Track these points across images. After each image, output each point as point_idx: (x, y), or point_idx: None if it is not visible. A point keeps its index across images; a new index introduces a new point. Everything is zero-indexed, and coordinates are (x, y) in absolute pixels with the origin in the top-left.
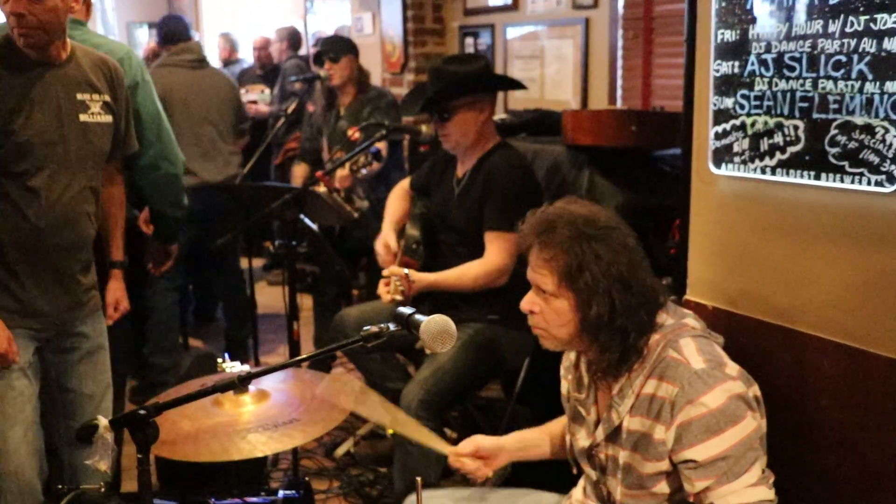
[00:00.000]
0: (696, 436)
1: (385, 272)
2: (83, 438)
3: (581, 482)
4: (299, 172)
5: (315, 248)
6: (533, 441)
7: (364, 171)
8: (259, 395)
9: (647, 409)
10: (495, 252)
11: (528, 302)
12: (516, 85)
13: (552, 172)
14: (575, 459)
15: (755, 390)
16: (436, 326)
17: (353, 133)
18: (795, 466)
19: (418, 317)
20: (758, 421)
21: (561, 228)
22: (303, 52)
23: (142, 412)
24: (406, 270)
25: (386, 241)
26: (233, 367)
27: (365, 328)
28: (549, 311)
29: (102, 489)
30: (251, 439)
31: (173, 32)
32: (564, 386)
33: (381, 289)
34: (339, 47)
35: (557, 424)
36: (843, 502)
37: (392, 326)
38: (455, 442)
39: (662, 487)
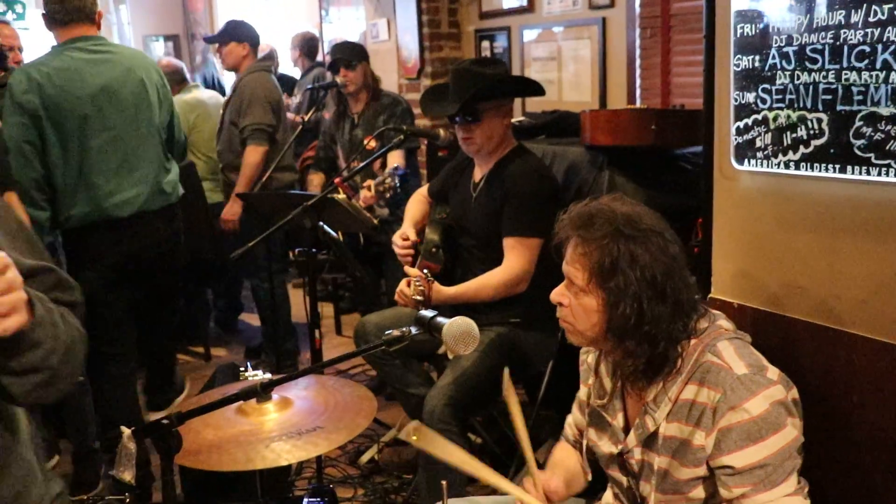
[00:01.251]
0: (736, 442)
1: (408, 271)
2: (107, 449)
3: (610, 489)
4: (316, 181)
5: (337, 255)
6: (569, 477)
7: (391, 193)
8: (282, 402)
9: (687, 414)
10: (515, 259)
11: (557, 293)
12: (540, 90)
13: (572, 173)
14: (593, 464)
15: (794, 394)
16: (458, 329)
17: (369, 142)
18: (828, 463)
19: (440, 319)
20: (797, 429)
21: (599, 224)
22: (318, 59)
23: (165, 422)
24: (425, 272)
25: (404, 232)
26: (255, 376)
27: (387, 332)
28: (577, 306)
29: (127, 500)
30: (275, 448)
31: (257, 38)
32: (584, 391)
33: (402, 287)
34: (353, 54)
35: (565, 452)
36: (877, 499)
37: (414, 330)
38: (480, 447)
39: (698, 492)
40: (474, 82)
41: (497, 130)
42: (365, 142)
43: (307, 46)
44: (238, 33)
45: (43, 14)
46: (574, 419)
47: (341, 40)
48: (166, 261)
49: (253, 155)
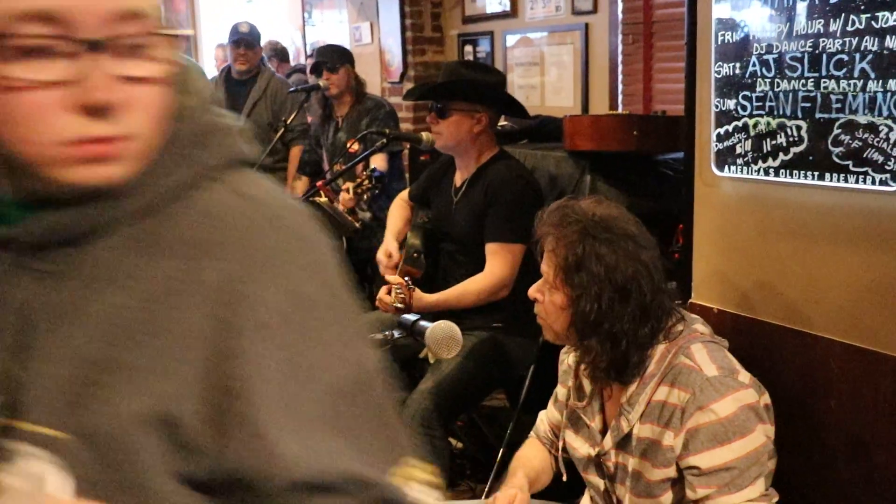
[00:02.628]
0: (703, 443)
1: (388, 278)
2: None
3: (587, 493)
4: (300, 186)
5: None
6: (534, 475)
7: (368, 195)
8: None
9: (658, 415)
10: (497, 264)
11: (534, 289)
12: (521, 112)
13: (554, 179)
14: (568, 465)
15: (766, 399)
16: (441, 332)
17: (352, 145)
18: (804, 469)
19: (423, 323)
20: (767, 434)
21: (570, 223)
22: (300, 62)
23: None
24: (407, 279)
25: (388, 249)
26: None
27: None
28: (548, 302)
29: None
30: None
31: None
32: (563, 392)
33: (382, 295)
34: (336, 57)
35: (532, 449)
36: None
37: (396, 333)
38: (461, 452)
39: (668, 496)
40: (448, 78)
41: (463, 132)
42: (348, 145)
43: (278, 52)
44: (261, 38)
45: None
46: (548, 415)
47: (324, 43)
48: None
49: (300, 154)
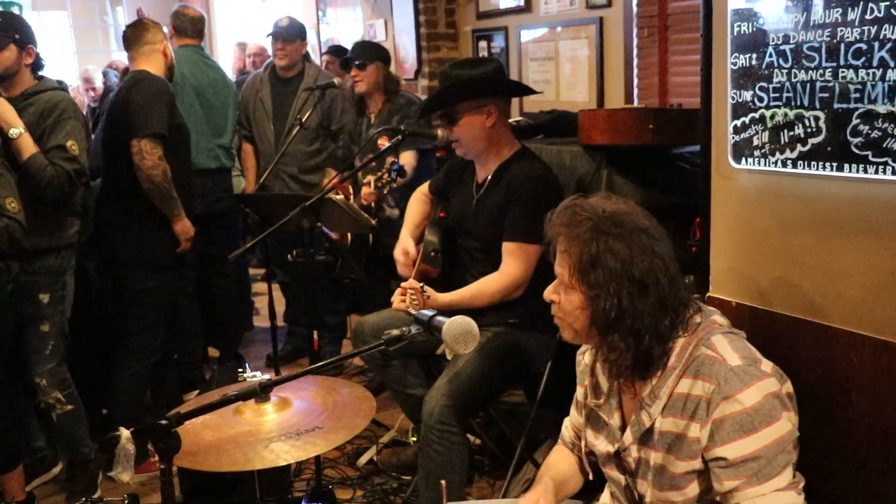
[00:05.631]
0: (729, 433)
1: (403, 284)
2: (105, 450)
3: (607, 488)
4: (326, 178)
5: (335, 256)
6: (562, 480)
7: (388, 188)
8: (281, 403)
9: (682, 408)
10: (513, 265)
11: (549, 291)
12: (525, 90)
13: (570, 173)
14: (592, 464)
15: (788, 387)
16: (458, 327)
17: (383, 141)
18: (825, 461)
19: (440, 318)
20: (792, 422)
21: (582, 222)
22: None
23: (164, 422)
24: (421, 284)
25: (405, 247)
26: (253, 377)
27: (386, 332)
28: (565, 302)
29: (125, 501)
30: (274, 448)
31: None
32: (581, 392)
33: (396, 298)
34: (367, 54)
35: (558, 455)
36: (876, 497)
37: (413, 329)
38: (479, 448)
39: (693, 488)
40: (445, 84)
41: (478, 131)
42: (379, 141)
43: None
44: (304, 33)
45: (173, 26)
46: (571, 420)
47: (337, 42)
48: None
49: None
